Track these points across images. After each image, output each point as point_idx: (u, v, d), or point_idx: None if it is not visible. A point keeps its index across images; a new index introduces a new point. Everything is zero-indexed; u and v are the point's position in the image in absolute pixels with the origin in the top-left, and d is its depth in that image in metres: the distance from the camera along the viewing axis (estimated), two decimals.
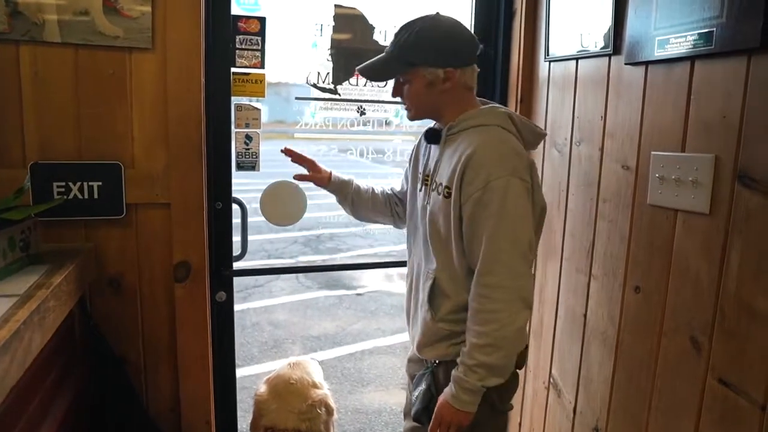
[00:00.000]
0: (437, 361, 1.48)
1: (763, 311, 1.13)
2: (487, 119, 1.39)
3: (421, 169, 1.53)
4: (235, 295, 1.92)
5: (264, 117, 1.84)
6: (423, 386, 1.48)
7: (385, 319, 4.69)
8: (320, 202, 2.20)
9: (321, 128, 1.99)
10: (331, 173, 1.70)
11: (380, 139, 2.08)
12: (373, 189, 1.75)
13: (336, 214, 2.24)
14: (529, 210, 1.33)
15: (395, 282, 5.53)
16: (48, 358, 1.23)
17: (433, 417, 1.39)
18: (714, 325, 1.25)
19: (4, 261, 1.24)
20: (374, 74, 1.50)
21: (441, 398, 1.38)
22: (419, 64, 1.37)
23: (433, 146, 1.49)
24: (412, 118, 1.50)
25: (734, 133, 1.19)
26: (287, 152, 1.66)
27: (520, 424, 2.18)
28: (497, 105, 1.48)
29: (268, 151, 1.87)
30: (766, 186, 1.13)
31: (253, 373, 3.57)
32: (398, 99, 1.47)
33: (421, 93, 1.41)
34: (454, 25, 1.39)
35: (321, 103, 1.94)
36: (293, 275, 5.59)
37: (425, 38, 1.36)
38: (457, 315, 1.40)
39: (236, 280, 1.90)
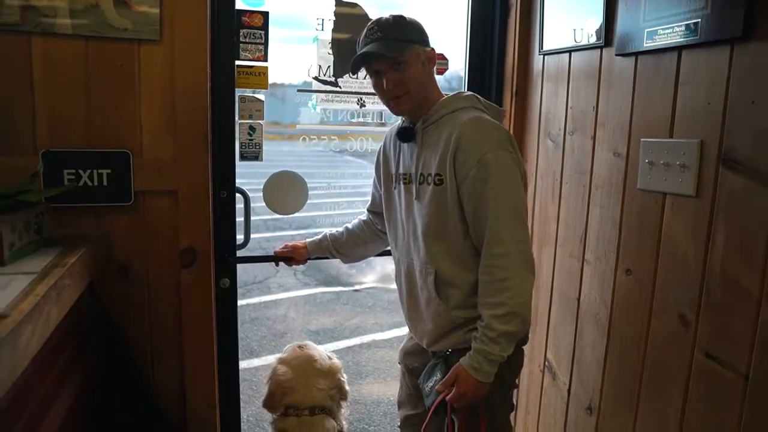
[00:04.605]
0: (450, 350, 1.48)
1: (747, 287, 1.19)
2: (459, 103, 1.45)
3: (395, 170, 1.56)
4: None
5: None
6: (438, 376, 1.47)
7: (383, 314, 4.74)
8: (317, 202, 2.24)
9: (318, 127, 2.04)
10: (306, 244, 1.83)
11: (377, 137, 2.12)
12: (347, 227, 1.84)
13: (332, 213, 2.29)
14: (519, 178, 1.38)
15: (392, 279, 5.56)
16: (63, 335, 1.27)
17: (455, 389, 1.37)
18: (701, 302, 1.31)
19: (21, 242, 1.29)
20: (386, 49, 1.37)
21: (460, 370, 1.36)
22: (415, 42, 1.41)
23: (405, 145, 1.52)
24: (406, 109, 1.46)
25: (718, 118, 1.25)
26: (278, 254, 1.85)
27: (516, 406, 2.23)
28: (458, 90, 1.54)
29: (265, 151, 1.91)
30: (748, 168, 1.19)
31: (252, 366, 3.61)
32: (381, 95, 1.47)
33: (419, 74, 1.42)
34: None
35: (322, 95, 1.99)
36: (291, 272, 5.62)
37: (407, 21, 1.42)
38: (468, 300, 1.43)
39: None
